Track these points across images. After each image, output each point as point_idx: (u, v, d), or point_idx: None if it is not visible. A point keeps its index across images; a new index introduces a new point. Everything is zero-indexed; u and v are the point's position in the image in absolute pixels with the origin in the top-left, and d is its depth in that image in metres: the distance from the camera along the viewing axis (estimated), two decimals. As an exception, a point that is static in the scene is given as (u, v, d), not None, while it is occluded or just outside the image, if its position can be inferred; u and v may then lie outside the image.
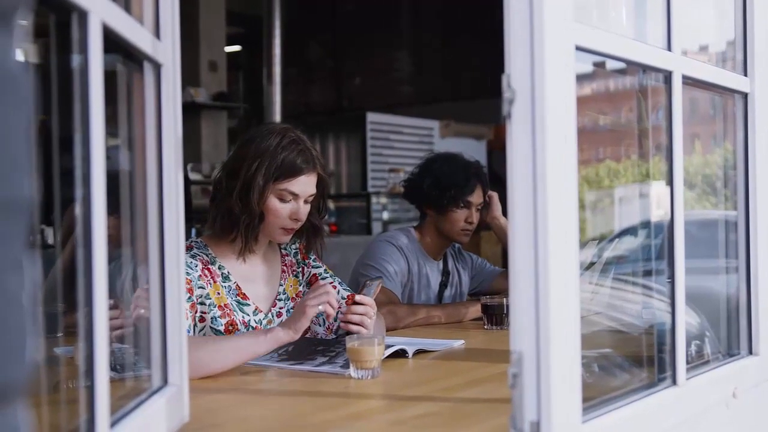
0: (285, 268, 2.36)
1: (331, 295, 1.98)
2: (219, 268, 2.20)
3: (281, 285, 2.33)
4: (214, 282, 2.17)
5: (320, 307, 1.95)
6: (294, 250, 2.41)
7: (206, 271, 2.16)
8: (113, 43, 1.11)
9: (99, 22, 1.02)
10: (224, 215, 2.18)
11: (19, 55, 0.59)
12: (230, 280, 2.20)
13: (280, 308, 2.30)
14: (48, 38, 1.04)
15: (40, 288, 0.63)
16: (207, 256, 2.20)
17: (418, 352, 2.16)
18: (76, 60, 1.02)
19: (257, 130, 2.26)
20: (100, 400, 1.01)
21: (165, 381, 1.37)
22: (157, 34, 1.35)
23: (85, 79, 1.01)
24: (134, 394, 1.29)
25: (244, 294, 2.22)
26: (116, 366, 1.34)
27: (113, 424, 1.09)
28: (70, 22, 1.01)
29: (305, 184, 2.19)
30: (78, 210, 1.01)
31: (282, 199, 2.18)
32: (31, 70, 0.60)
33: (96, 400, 1.00)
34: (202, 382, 1.82)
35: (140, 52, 1.26)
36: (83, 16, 0.99)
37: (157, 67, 1.34)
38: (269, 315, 2.26)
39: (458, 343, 2.33)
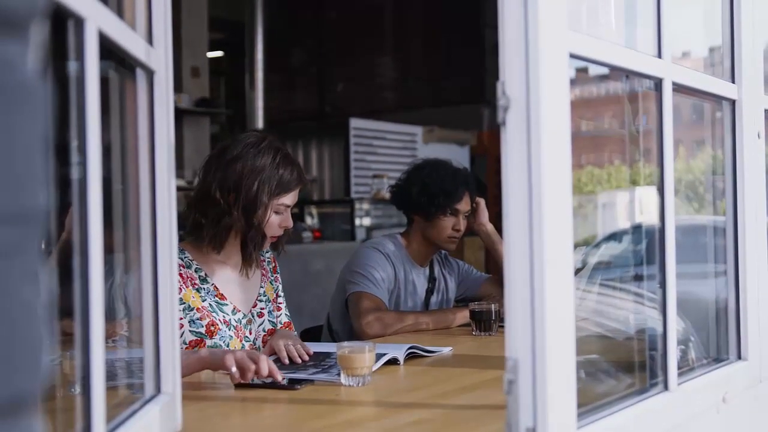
0: (264, 271, 2.45)
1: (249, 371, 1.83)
2: (196, 271, 2.27)
3: (262, 287, 2.41)
4: (187, 286, 2.22)
5: (233, 369, 1.81)
6: (268, 259, 2.49)
7: (178, 276, 2.18)
8: (106, 49, 1.11)
9: (95, 29, 1.01)
10: (225, 231, 2.24)
11: (35, 64, 0.59)
12: (208, 282, 2.27)
13: (261, 308, 2.38)
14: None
15: (55, 298, 0.62)
16: (182, 260, 2.25)
17: (410, 357, 2.16)
18: (71, 66, 1.02)
19: (240, 144, 2.27)
20: (96, 409, 1.00)
21: (158, 389, 1.36)
22: (150, 40, 1.34)
23: (82, 86, 1.00)
24: (127, 403, 1.29)
25: (222, 294, 2.28)
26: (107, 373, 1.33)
27: (108, 433, 1.08)
28: (65, 29, 1.00)
29: (296, 195, 2.32)
30: (74, 217, 1.00)
31: (277, 212, 2.28)
32: (46, 79, 0.60)
33: (92, 409, 1.00)
34: (195, 391, 1.81)
35: (134, 59, 1.25)
36: (79, 23, 0.99)
37: (149, 73, 1.34)
38: (249, 315, 2.34)
39: (447, 350, 2.33)
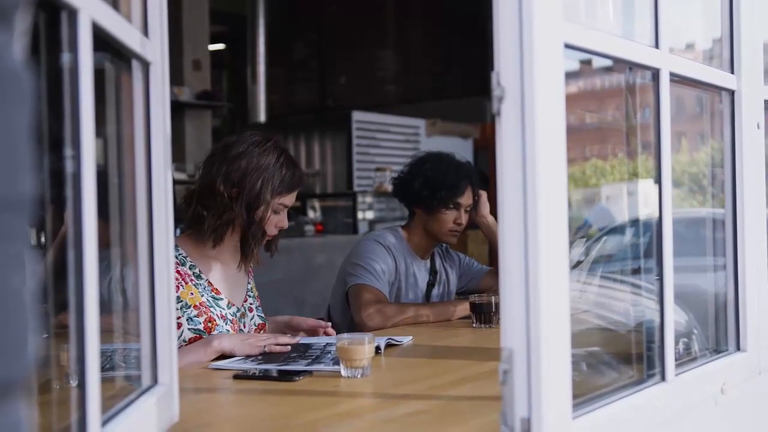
0: (250, 270, 2.49)
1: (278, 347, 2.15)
2: (190, 268, 2.29)
3: (249, 283, 2.46)
4: (186, 283, 2.25)
5: (266, 348, 2.12)
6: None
7: (176, 274, 2.21)
8: (101, 41, 1.11)
9: (89, 20, 1.01)
10: (225, 225, 2.27)
11: (19, 53, 0.59)
12: (202, 278, 2.30)
13: (250, 304, 2.44)
14: (36, 36, 1.03)
15: (41, 285, 0.63)
16: (176, 257, 2.26)
17: (408, 350, 2.18)
18: (65, 58, 1.02)
19: (245, 142, 2.30)
20: (91, 400, 1.00)
21: (155, 380, 1.36)
22: (145, 32, 1.34)
23: (75, 78, 1.00)
24: (123, 394, 1.29)
25: (217, 289, 2.32)
26: (104, 365, 1.34)
27: (104, 423, 1.08)
28: (59, 20, 1.00)
29: (294, 197, 2.36)
30: (68, 211, 1.00)
31: (275, 212, 2.31)
32: (30, 68, 0.60)
33: (87, 400, 1.00)
34: (192, 382, 1.81)
35: (129, 51, 1.25)
36: (73, 14, 0.99)
37: (145, 65, 1.34)
38: (242, 309, 2.38)
39: (407, 339, 2.37)
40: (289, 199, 2.33)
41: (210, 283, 2.30)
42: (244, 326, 2.37)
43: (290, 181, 2.31)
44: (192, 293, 2.25)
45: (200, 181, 2.32)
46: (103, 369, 1.12)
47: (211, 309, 2.26)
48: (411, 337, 2.40)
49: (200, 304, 2.24)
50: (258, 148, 2.28)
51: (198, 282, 2.28)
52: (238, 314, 2.35)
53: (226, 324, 2.27)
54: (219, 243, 2.29)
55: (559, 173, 1.20)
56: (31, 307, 0.59)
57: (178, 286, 2.20)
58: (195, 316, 2.22)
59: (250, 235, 2.28)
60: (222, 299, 2.31)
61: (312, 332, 2.42)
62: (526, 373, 1.15)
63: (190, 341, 2.19)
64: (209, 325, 2.23)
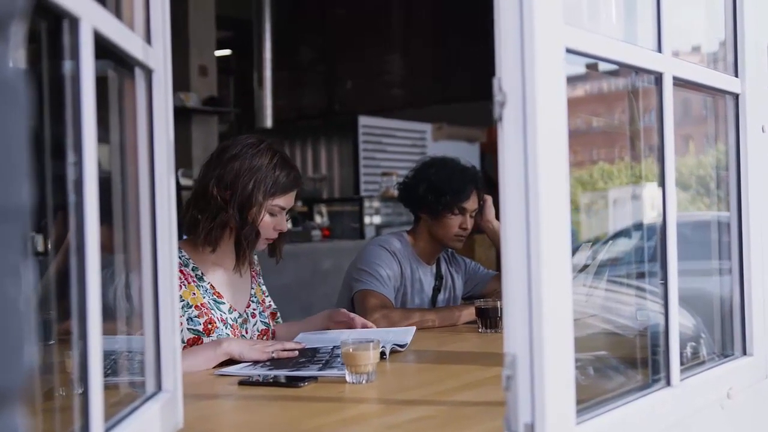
0: (254, 274, 2.49)
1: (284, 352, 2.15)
2: (193, 270, 2.30)
3: (252, 288, 2.46)
4: (189, 283, 2.26)
5: (274, 354, 2.12)
6: (256, 261, 2.55)
7: (179, 273, 2.22)
8: (104, 48, 1.11)
9: (90, 28, 1.02)
10: (219, 228, 2.27)
11: (16, 62, 0.59)
12: (205, 281, 2.30)
13: (254, 310, 2.43)
14: (38, 44, 1.04)
15: (37, 294, 0.63)
16: (180, 258, 2.27)
17: (393, 352, 2.20)
18: (67, 66, 1.02)
19: (239, 144, 2.32)
20: (94, 407, 1.00)
21: (159, 387, 1.36)
22: (148, 39, 1.34)
23: (77, 85, 1.00)
24: (127, 400, 1.29)
25: (219, 293, 2.32)
26: (108, 371, 1.34)
27: (107, 430, 1.09)
28: (60, 28, 1.01)
29: (292, 198, 2.35)
30: (70, 217, 1.01)
31: (271, 214, 2.31)
32: (26, 77, 0.60)
33: (90, 407, 1.00)
34: (196, 389, 1.81)
35: (131, 58, 1.26)
36: (74, 22, 0.99)
37: (148, 72, 1.34)
38: (244, 314, 2.38)
39: (411, 331, 2.40)
40: (285, 201, 2.32)
41: (212, 287, 2.31)
42: (246, 332, 2.36)
43: (284, 183, 2.30)
44: (194, 293, 2.25)
45: (195, 186, 2.34)
46: (106, 374, 1.12)
47: (212, 311, 2.26)
48: (414, 328, 2.43)
49: (201, 305, 2.25)
50: (252, 149, 2.29)
51: (200, 284, 2.28)
52: (240, 320, 2.35)
53: (225, 328, 2.28)
54: (215, 246, 2.28)
55: (560, 178, 1.20)
56: (28, 316, 0.59)
57: (180, 285, 2.20)
58: (195, 317, 2.23)
59: (243, 236, 2.28)
60: (224, 303, 2.31)
61: (348, 325, 2.44)
62: (529, 378, 1.15)
63: (189, 342, 2.20)
64: (209, 327, 2.24)
